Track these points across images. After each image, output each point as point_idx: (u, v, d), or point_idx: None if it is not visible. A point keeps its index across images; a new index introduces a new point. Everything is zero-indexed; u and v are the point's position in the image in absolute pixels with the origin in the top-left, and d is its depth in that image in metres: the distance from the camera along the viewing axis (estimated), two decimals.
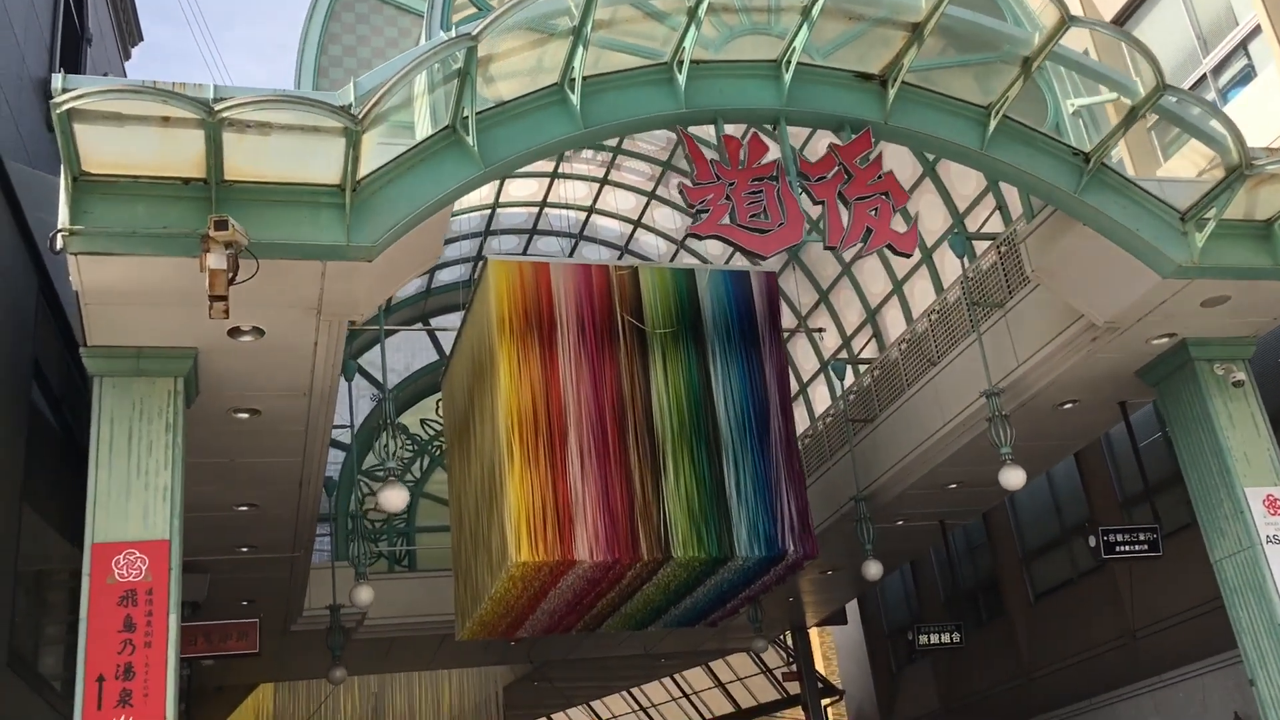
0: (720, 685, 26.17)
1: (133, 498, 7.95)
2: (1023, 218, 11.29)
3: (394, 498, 9.71)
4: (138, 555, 7.76)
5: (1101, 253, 9.61)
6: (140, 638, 7.54)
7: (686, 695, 27.23)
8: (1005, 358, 11.65)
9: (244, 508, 11.80)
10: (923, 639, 14.99)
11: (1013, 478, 10.91)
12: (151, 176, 7.15)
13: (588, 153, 16.97)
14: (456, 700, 23.77)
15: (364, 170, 7.51)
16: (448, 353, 20.27)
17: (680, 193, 8.54)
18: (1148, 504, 14.24)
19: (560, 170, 17.11)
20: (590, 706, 29.53)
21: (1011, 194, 12.50)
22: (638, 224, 17.99)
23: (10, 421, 8.76)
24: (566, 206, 17.98)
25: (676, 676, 26.75)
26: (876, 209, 8.71)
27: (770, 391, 12.70)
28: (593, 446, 11.78)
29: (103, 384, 8.22)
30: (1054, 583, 16.70)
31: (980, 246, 12.73)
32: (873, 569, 13.83)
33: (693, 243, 17.27)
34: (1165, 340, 10.61)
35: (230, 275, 6.73)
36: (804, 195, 8.71)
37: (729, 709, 26.56)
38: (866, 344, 15.60)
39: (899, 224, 8.77)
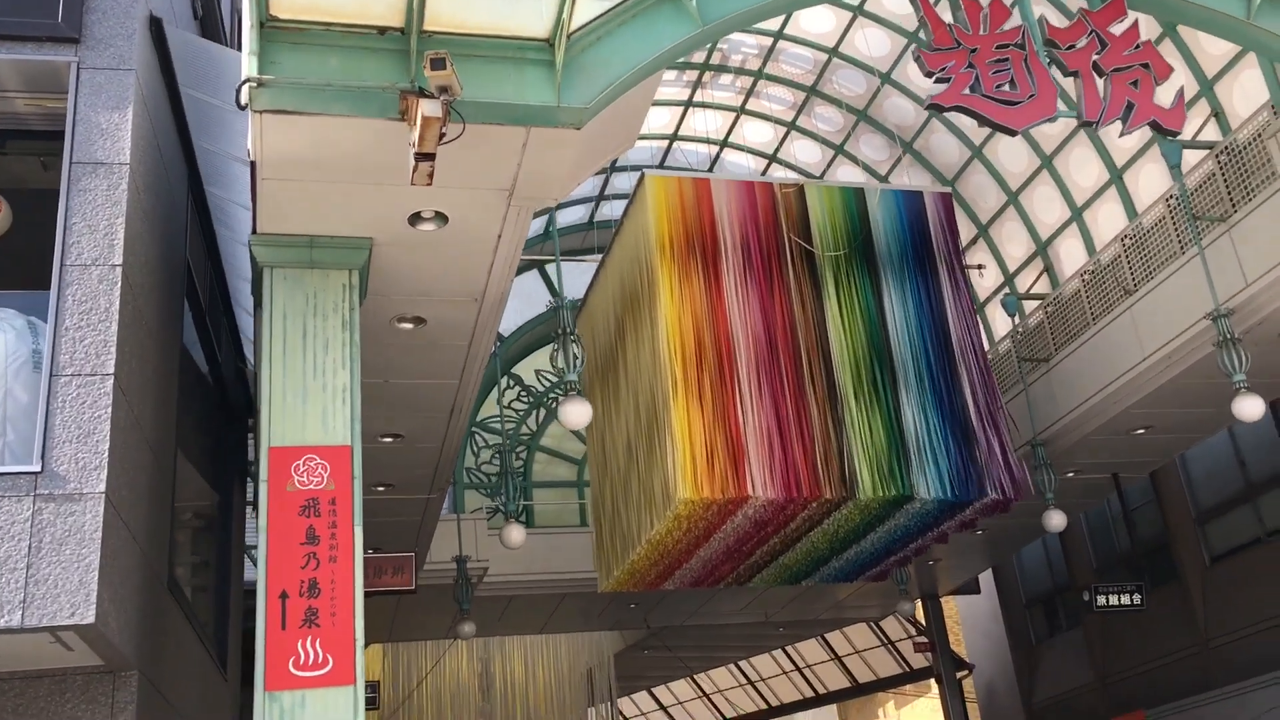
0: (836, 658, 25.22)
1: (310, 399, 7.23)
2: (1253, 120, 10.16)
3: (578, 412, 8.90)
4: (318, 461, 7.04)
5: None
6: (325, 551, 6.82)
7: (799, 669, 26.34)
8: (1230, 278, 10.53)
9: (388, 439, 11.12)
10: (1100, 599, 13.90)
11: (1250, 407, 9.83)
12: (345, 24, 6.38)
13: (725, 78, 16.05)
14: (566, 667, 23.13)
15: (576, 22, 6.67)
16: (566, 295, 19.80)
17: (917, 59, 7.59)
18: None
19: (695, 99, 16.21)
20: (694, 680, 28.76)
21: (1230, 96, 11.35)
22: (773, 159, 17.04)
23: (167, 348, 8.07)
24: (698, 140, 17.07)
25: (789, 649, 25.86)
26: (1136, 81, 7.69)
27: (953, 321, 11.74)
28: (764, 377, 10.95)
29: (273, 276, 7.50)
30: (1236, 543, 15.48)
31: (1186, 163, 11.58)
32: (1055, 519, 12.82)
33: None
34: None
35: (442, 130, 5.92)
36: (1053, 67, 7.70)
37: (845, 684, 25.60)
38: (1036, 280, 14.50)
39: (1162, 99, 7.73)
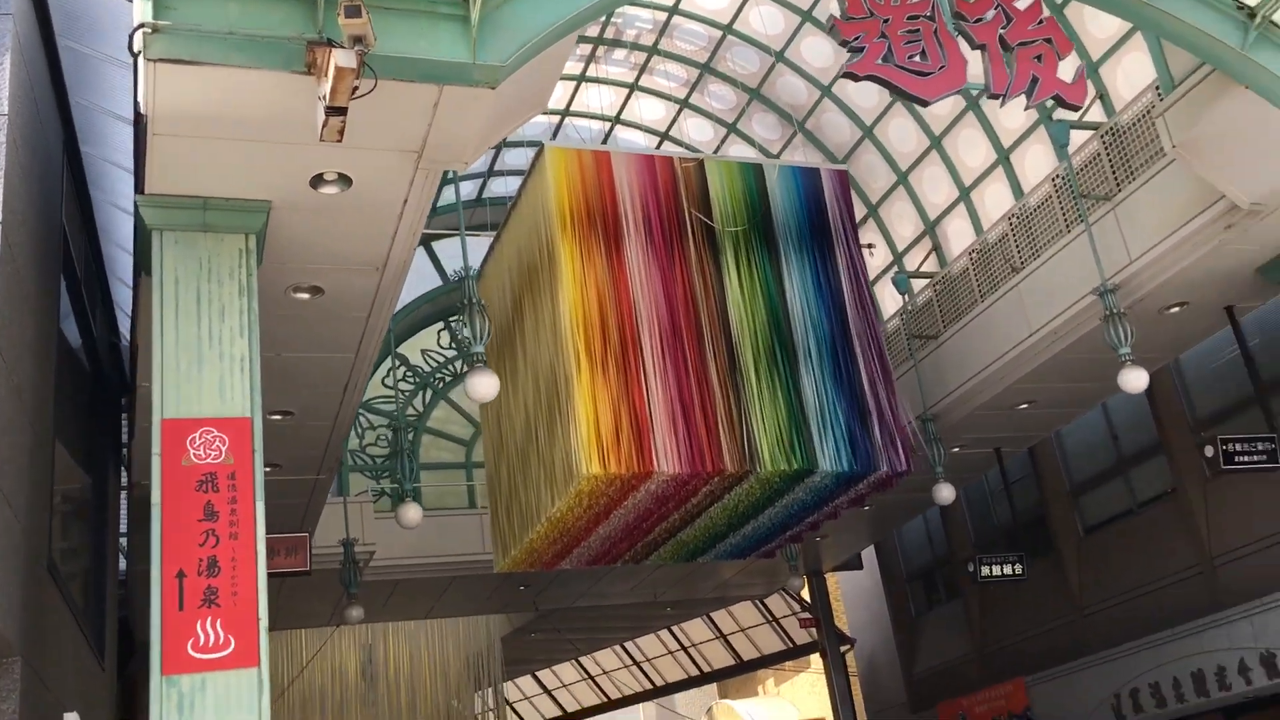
0: (721, 637, 25.48)
1: (206, 368, 6.87)
2: (1142, 98, 10.51)
3: (486, 384, 8.67)
4: (216, 434, 6.70)
5: (1258, 123, 8.87)
6: (224, 527, 6.49)
7: (684, 648, 26.52)
8: (1114, 255, 10.89)
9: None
10: (985, 570, 14.32)
11: (1135, 379, 10.18)
12: None
13: (619, 54, 15.92)
14: (451, 652, 22.80)
15: None
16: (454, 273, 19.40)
17: (830, 28, 7.59)
18: (1221, 427, 13.75)
19: (587, 73, 16.03)
20: (579, 662, 28.71)
21: (1114, 78, 11.74)
22: (665, 136, 16.98)
23: (44, 318, 7.55)
24: (591, 116, 16.90)
25: (675, 629, 26.02)
26: (1040, 55, 7.85)
27: (849, 297, 11.87)
28: (667, 352, 10.87)
29: (163, 239, 7.10)
30: (1108, 515, 16.12)
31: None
32: (944, 492, 13.12)
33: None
34: None
35: (355, 83, 5.65)
36: (961, 39, 7.81)
37: (729, 661, 25.89)
38: (925, 259, 14.79)
39: (1065, 72, 7.91)
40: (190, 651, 6.16)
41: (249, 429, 6.78)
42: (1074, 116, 11.57)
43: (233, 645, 6.24)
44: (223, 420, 6.74)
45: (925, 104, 7.74)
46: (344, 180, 7.21)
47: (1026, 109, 8.18)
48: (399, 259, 8.35)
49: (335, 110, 5.72)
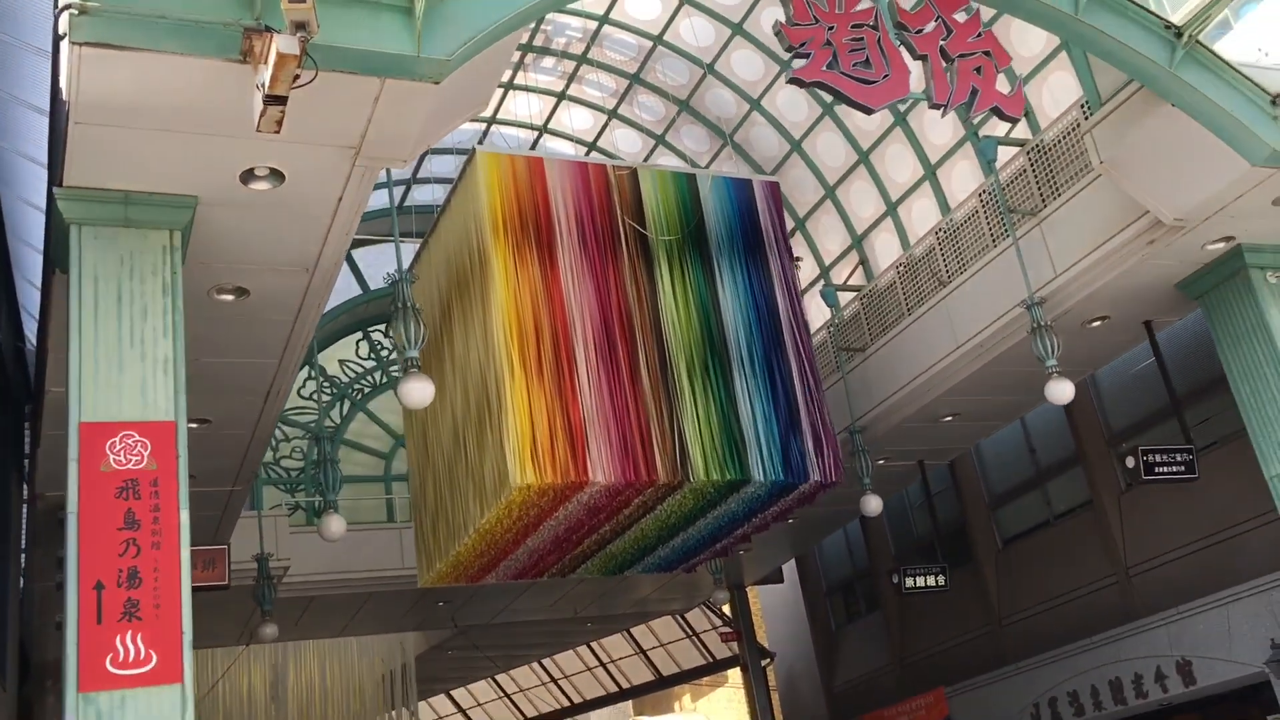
0: (641, 652, 25.33)
1: (127, 370, 6.55)
2: (1067, 115, 10.71)
3: (420, 390, 8.42)
4: (137, 438, 6.38)
5: (1183, 140, 9.09)
6: (147, 537, 6.18)
7: (603, 664, 26.30)
8: (1040, 269, 11.07)
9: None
10: (909, 581, 14.42)
11: (1061, 390, 10.35)
12: None
13: (548, 62, 15.80)
14: (366, 671, 22.26)
15: None
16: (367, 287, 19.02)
17: (777, 33, 7.57)
18: (1136, 439, 14.08)
19: (515, 80, 15.87)
20: (495, 681, 28.29)
21: (1039, 96, 11.96)
22: (593, 146, 16.88)
23: None
24: (518, 125, 16.73)
25: (593, 645, 25.79)
26: (980, 68, 7.95)
27: (782, 308, 11.90)
28: (600, 360, 10.77)
29: (82, 234, 6.77)
30: (1026, 526, 16.40)
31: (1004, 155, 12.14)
32: (872, 503, 13.17)
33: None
34: (1221, 245, 10.22)
35: (296, 72, 5.44)
36: (903, 49, 7.85)
37: (649, 677, 25.74)
38: (852, 273, 14.91)
39: (1003, 85, 8.00)
40: (109, 667, 5.84)
41: (173, 433, 6.48)
42: (1001, 133, 11.79)
43: (154, 661, 5.93)
44: (145, 424, 6.43)
45: (869, 111, 7.76)
46: (276, 176, 6.96)
47: (969, 118, 8.25)
48: (330, 261, 8.09)
49: (274, 99, 5.50)
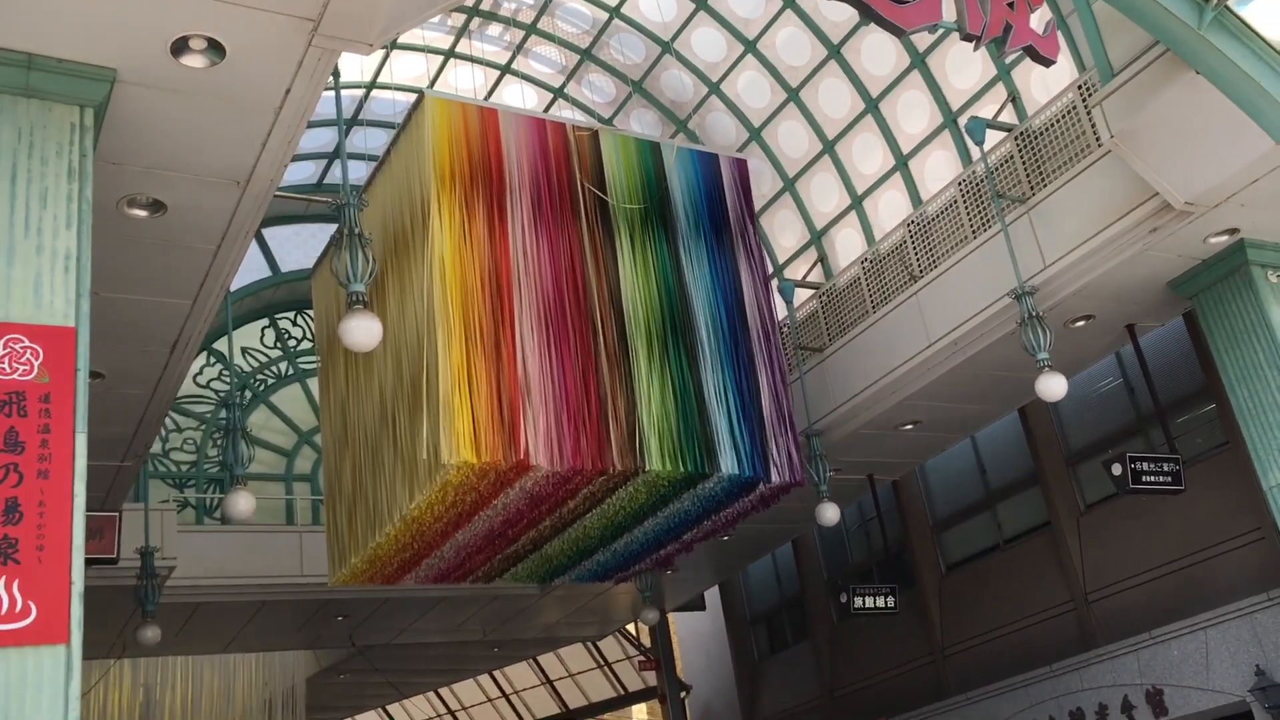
0: (547, 682, 24.12)
1: (18, 263, 5.42)
2: (1083, 85, 10.20)
3: (366, 328, 7.34)
4: (27, 344, 5.24)
5: (1203, 114, 8.60)
6: (31, 464, 5.03)
7: (505, 695, 25.00)
8: (1027, 260, 10.50)
9: None
10: (858, 602, 13.66)
11: (1053, 385, 9.72)
12: None
13: (495, 29, 14.89)
14: (248, 695, 20.64)
15: None
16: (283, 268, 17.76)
17: None
18: (1093, 460, 13.63)
19: (458, 49, 14.92)
20: (385, 711, 26.72)
21: (1027, 80, 11.48)
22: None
23: None
24: (454, 97, 15.71)
25: (496, 674, 24.50)
26: (1013, 3, 7.29)
27: (748, 292, 11.12)
28: (551, 334, 9.81)
29: None
30: (973, 550, 15.82)
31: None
32: (829, 512, 12.40)
33: None
34: (1223, 239, 9.77)
35: None
36: None
37: (554, 710, 24.51)
38: (810, 271, 14.24)
39: (1037, 25, 7.37)
40: None
41: (72, 342, 5.36)
42: (990, 114, 11.26)
43: (34, 614, 4.78)
44: (37, 328, 5.30)
45: (901, 33, 7.03)
46: (214, 49, 5.91)
47: (1003, 56, 7.60)
48: (265, 176, 7.04)
49: None
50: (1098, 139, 9.84)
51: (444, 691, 25.63)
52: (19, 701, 4.63)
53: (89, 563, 8.72)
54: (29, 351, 5.21)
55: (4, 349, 5.17)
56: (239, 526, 15.29)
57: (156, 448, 16.22)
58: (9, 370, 5.14)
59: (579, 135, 10.82)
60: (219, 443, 15.88)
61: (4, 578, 4.77)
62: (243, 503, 9.68)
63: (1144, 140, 8.99)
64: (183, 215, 7.22)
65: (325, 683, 21.79)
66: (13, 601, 4.74)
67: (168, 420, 16.19)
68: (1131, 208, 9.61)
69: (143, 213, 7.14)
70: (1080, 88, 10.29)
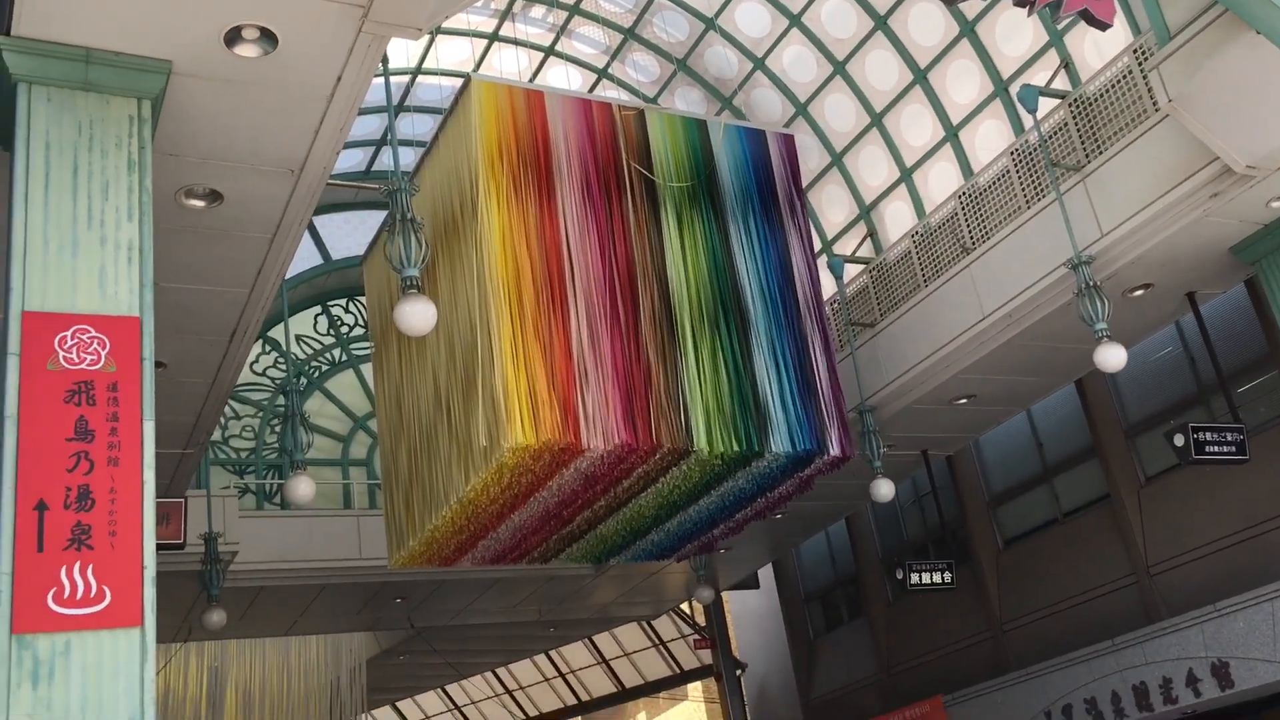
0: (604, 661, 24.28)
1: (83, 255, 5.52)
2: (1139, 49, 10.01)
3: (421, 312, 7.39)
4: (93, 334, 5.35)
5: (1265, 75, 8.40)
6: (101, 451, 5.13)
7: (561, 675, 25.20)
8: (1083, 230, 10.33)
9: None
10: (914, 578, 13.60)
11: (1112, 356, 9.58)
12: None
13: (538, 10, 14.89)
14: (312, 676, 21.00)
15: None
16: (331, 255, 17.92)
17: None
18: (1153, 431, 13.44)
19: (501, 32, 14.94)
20: (445, 691, 27.05)
21: (1080, 45, 11.29)
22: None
23: None
24: (499, 80, 15.74)
25: (553, 654, 24.69)
26: None
27: (798, 269, 11.07)
28: (604, 315, 9.83)
29: (32, 94, 5.74)
30: (1031, 525, 15.68)
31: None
32: (884, 489, 12.33)
33: None
34: None
35: None
36: None
37: (611, 689, 24.68)
38: (859, 246, 14.13)
39: None
40: (52, 605, 4.80)
41: (137, 331, 5.46)
42: (1042, 82, 11.09)
43: (108, 598, 4.89)
44: (104, 318, 5.40)
45: (951, 1, 6.92)
46: (267, 38, 5.97)
47: (1056, 21, 7.47)
48: (319, 162, 7.10)
49: None
50: (1155, 104, 9.65)
51: (501, 671, 25.87)
52: (96, 683, 4.74)
53: (157, 548, 8.90)
54: (96, 342, 5.31)
55: (72, 339, 5.28)
56: (298, 511, 15.58)
57: (216, 435, 16.48)
58: (77, 360, 5.25)
59: (625, 115, 10.81)
60: (277, 429, 16.12)
61: (79, 563, 4.89)
62: (303, 487, 9.83)
63: (1203, 103, 8.81)
64: (239, 205, 7.31)
65: (386, 664, 22.09)
66: (88, 586, 4.86)
67: (227, 408, 16.43)
68: (1191, 173, 9.42)
69: (200, 203, 7.24)
70: (1136, 51, 10.09)
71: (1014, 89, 11.91)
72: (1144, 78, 9.80)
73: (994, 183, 11.80)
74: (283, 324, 15.92)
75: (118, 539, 5.00)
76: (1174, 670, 12.05)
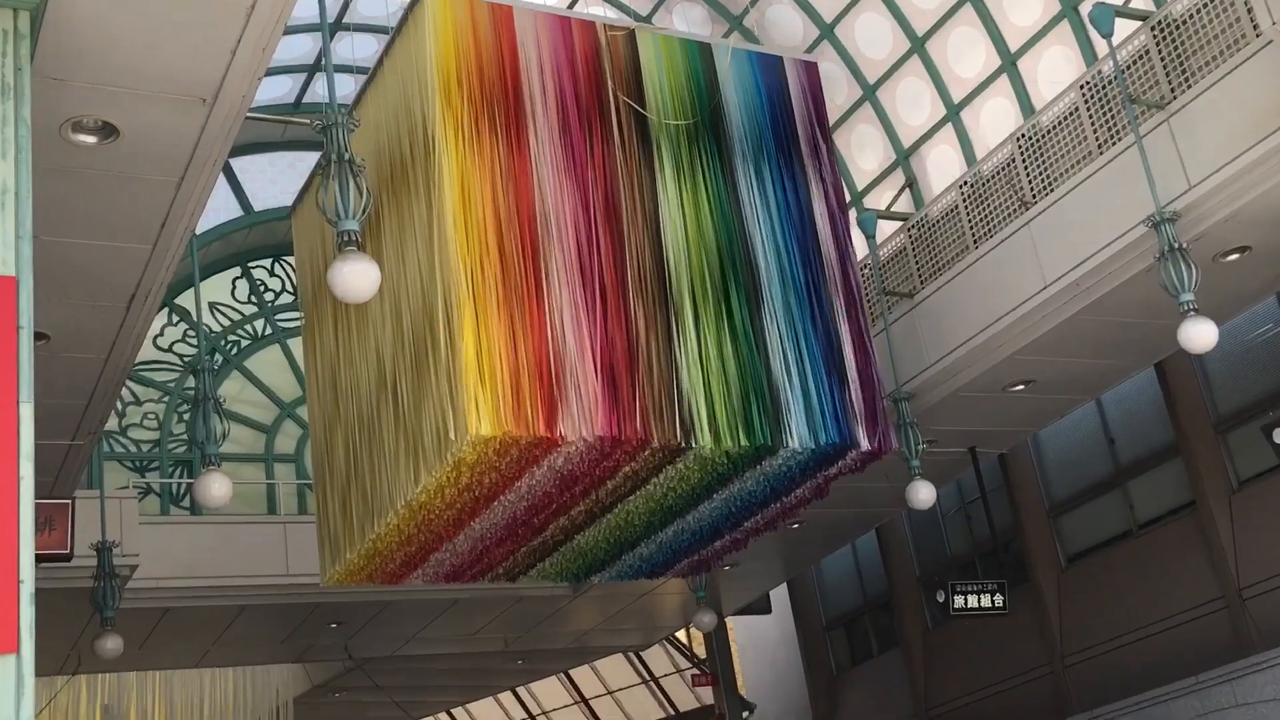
0: (582, 701, 24.48)
1: None
2: None
3: (360, 274, 7.38)
4: None
5: None
6: None
7: (532, 716, 25.41)
8: (1168, 181, 10.36)
9: None
10: (959, 601, 13.72)
11: (1200, 334, 9.62)
12: None
13: None
14: (228, 717, 21.14)
15: None
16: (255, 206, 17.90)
17: None
18: (1249, 426, 13.56)
19: None
20: None
21: None
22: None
23: None
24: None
25: (520, 691, 24.88)
26: None
27: (821, 224, 11.09)
28: (584, 281, 9.82)
29: None
30: (1099, 538, 15.84)
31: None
32: (923, 493, 12.40)
33: None
34: None
35: None
36: None
37: None
38: (896, 199, 14.19)
39: None
40: None
41: (12, 293, 5.45)
42: (1118, 1, 11.07)
43: None
44: None
45: None
46: None
47: None
48: (237, 89, 7.10)
49: None
50: (1256, 27, 9.68)
51: (458, 712, 26.09)
52: None
53: (39, 560, 8.90)
54: None
55: None
56: (212, 516, 15.71)
57: (112, 424, 16.57)
58: None
59: (612, 36, 10.79)
60: (185, 417, 16.12)
61: None
62: (216, 488, 9.85)
63: None
64: (138, 141, 7.30)
65: (317, 702, 22.31)
66: None
67: (125, 391, 16.50)
68: None
69: (91, 138, 7.23)
70: None
71: (1085, 8, 11.93)
72: (1230, 5, 9.84)
73: (1059, 123, 11.85)
74: (193, 289, 15.91)
75: None
76: (1271, 714, 12.22)
